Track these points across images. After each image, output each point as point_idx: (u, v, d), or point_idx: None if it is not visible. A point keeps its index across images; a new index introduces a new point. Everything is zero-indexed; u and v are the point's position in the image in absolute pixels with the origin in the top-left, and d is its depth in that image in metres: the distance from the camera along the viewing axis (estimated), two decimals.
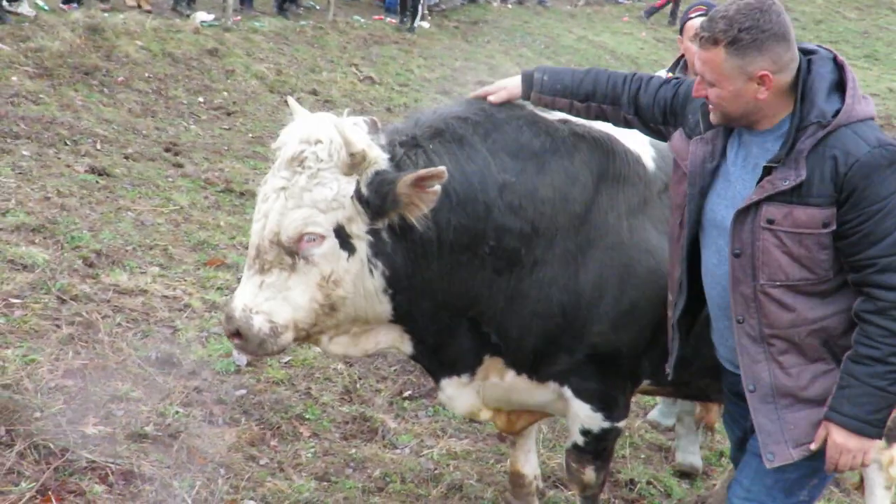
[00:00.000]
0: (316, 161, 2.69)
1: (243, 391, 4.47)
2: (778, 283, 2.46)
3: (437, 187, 2.63)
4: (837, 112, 2.40)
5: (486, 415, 3.24)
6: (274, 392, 4.53)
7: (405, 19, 14.43)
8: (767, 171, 2.47)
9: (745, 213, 2.50)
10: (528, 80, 2.95)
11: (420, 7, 14.53)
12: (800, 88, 2.44)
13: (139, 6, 12.06)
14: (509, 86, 2.98)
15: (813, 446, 2.53)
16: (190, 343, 4.75)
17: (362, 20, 14.86)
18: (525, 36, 16.41)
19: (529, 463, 3.80)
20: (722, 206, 2.58)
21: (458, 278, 2.86)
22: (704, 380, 3.17)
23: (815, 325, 2.49)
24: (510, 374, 3.10)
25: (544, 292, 2.90)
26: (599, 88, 2.90)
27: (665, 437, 4.96)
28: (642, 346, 3.06)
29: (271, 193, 2.73)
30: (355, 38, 13.67)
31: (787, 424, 2.54)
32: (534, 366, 3.06)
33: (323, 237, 2.70)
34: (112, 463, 3.60)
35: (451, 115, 2.88)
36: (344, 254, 2.73)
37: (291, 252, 2.71)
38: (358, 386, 4.79)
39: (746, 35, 2.37)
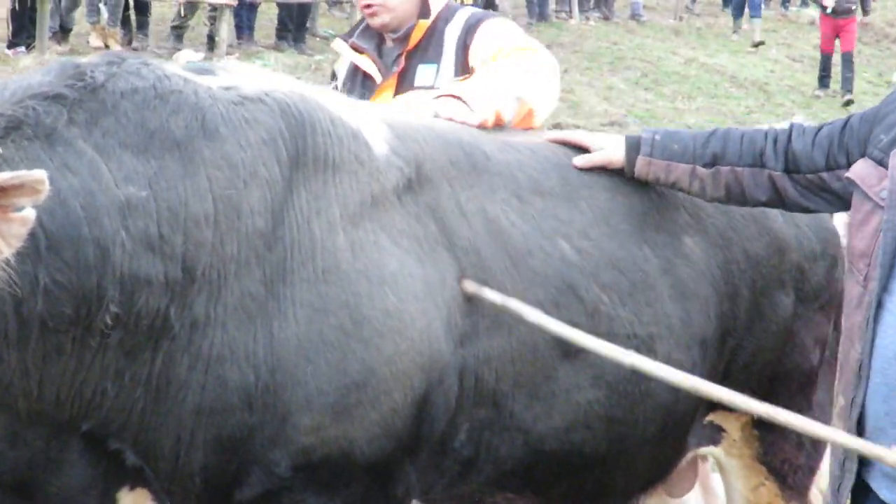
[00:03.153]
0: None
1: None
2: None
3: (30, 212, 2.00)
4: None
5: None
6: None
7: None
8: None
9: None
10: (632, 143, 2.76)
11: None
12: None
13: (106, 46, 11.74)
14: (607, 146, 2.78)
15: None
16: None
17: None
18: (615, 61, 15.66)
19: None
20: None
21: (58, 372, 2.20)
22: (505, 494, 2.68)
23: None
24: None
25: (214, 373, 2.29)
26: (731, 146, 2.67)
27: None
28: (396, 446, 2.42)
29: None
30: None
31: None
32: (206, 494, 2.38)
33: None
34: None
35: (31, 93, 2.23)
36: None
37: None
38: None
39: None
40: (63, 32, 11.83)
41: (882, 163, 2.41)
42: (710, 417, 2.87)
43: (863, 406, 2.40)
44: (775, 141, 2.63)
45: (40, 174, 1.99)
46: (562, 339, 2.54)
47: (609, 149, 2.76)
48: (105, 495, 2.38)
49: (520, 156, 2.71)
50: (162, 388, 2.29)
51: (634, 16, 18.36)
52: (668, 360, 2.62)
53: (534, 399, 2.58)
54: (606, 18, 18.03)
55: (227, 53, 12.06)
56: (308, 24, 14.06)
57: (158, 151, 2.28)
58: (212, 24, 12.37)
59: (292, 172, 2.40)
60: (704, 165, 2.67)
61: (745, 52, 16.86)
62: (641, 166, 2.72)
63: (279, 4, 13.50)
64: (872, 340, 2.39)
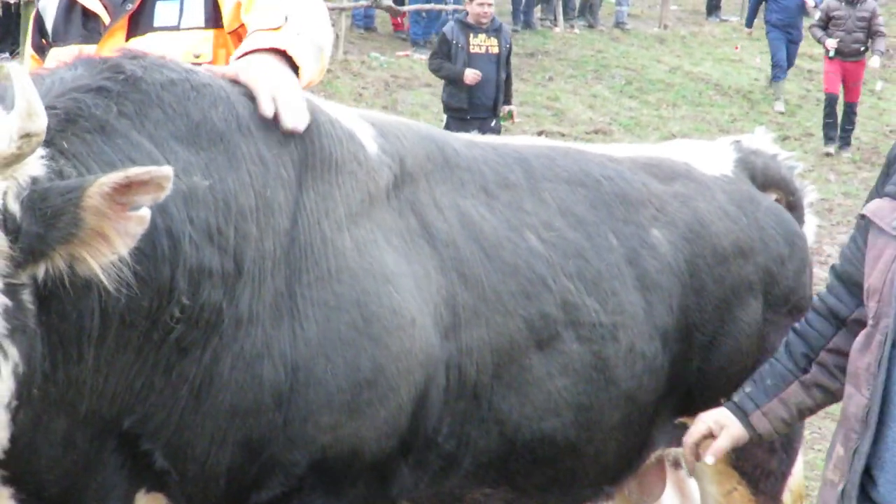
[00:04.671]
0: None
1: None
2: None
3: (147, 211, 2.01)
4: None
5: None
6: None
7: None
8: None
9: None
10: (735, 410, 2.68)
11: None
12: None
13: None
14: (722, 420, 2.66)
15: None
16: None
17: (382, 58, 14.53)
18: (600, 69, 15.75)
19: None
20: None
21: (121, 367, 2.19)
22: (483, 489, 2.70)
23: None
24: None
25: (252, 372, 2.29)
26: (811, 334, 2.59)
27: None
28: (398, 443, 2.46)
29: None
30: (374, 82, 13.27)
31: None
32: (226, 498, 2.36)
33: None
34: None
35: (71, 86, 2.21)
36: None
37: None
38: None
39: None
40: None
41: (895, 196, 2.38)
42: (684, 420, 2.92)
43: (869, 456, 2.33)
44: (830, 296, 2.55)
45: (168, 170, 1.99)
46: (535, 329, 2.64)
47: (726, 426, 2.65)
48: (125, 499, 2.36)
49: (483, 152, 2.77)
50: (204, 387, 2.29)
51: (619, 24, 18.41)
52: (630, 349, 2.72)
53: (510, 389, 2.63)
54: (591, 26, 18.10)
55: None
56: None
57: (206, 143, 2.29)
58: None
59: (301, 173, 2.43)
60: (804, 370, 2.59)
61: (730, 61, 16.92)
62: (758, 421, 2.63)
63: None
64: (886, 385, 2.30)
